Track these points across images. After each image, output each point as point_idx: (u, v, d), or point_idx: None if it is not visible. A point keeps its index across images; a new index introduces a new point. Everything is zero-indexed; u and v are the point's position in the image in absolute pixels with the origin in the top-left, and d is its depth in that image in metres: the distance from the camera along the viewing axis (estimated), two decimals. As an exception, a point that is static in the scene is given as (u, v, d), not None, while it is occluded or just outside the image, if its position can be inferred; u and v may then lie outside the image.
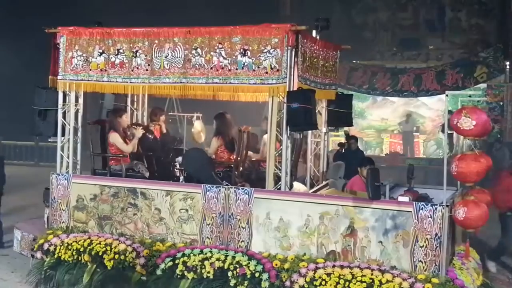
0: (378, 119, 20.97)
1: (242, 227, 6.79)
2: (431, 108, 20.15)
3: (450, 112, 7.80)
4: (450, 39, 21.45)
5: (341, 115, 8.31)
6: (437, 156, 19.39)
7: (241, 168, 7.85)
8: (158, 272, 6.74)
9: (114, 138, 7.99)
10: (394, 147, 20.76)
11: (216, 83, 6.94)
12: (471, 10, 21.31)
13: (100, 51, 7.39)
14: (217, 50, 6.86)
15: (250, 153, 8.26)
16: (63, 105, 7.68)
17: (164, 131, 9.09)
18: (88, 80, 7.50)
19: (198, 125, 9.23)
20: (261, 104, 8.21)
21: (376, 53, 21.67)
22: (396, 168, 15.64)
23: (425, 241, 6.06)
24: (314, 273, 6.17)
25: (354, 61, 19.12)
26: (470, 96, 17.82)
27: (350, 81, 18.80)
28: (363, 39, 21.60)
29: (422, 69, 18.81)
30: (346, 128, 12.59)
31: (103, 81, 7.44)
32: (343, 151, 11.18)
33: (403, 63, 20.15)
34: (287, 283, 6.25)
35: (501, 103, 18.99)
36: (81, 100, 7.78)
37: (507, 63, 18.62)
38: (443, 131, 6.15)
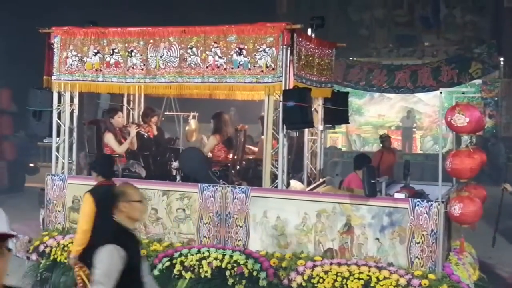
0: (375, 115, 21.04)
1: (239, 226, 6.79)
2: (428, 104, 20.22)
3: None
4: (445, 35, 21.53)
5: (338, 112, 8.32)
6: (434, 151, 19.44)
7: (238, 167, 7.85)
8: (156, 272, 6.70)
9: (108, 138, 7.96)
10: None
11: (212, 82, 6.93)
12: (465, 7, 21.43)
13: (95, 51, 7.36)
14: (213, 49, 6.85)
15: (251, 147, 8.29)
16: (58, 105, 7.66)
17: (155, 132, 8.91)
18: (83, 80, 7.47)
19: (193, 124, 9.21)
20: (258, 102, 8.21)
21: (372, 50, 21.71)
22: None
23: (421, 237, 6.08)
24: (311, 271, 6.18)
25: (351, 58, 19.15)
26: (463, 93, 17.89)
27: (347, 78, 18.79)
28: (359, 36, 21.67)
29: (418, 65, 18.82)
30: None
31: (98, 81, 7.41)
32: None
33: (399, 59, 20.20)
34: (285, 281, 6.25)
35: (496, 98, 19.09)
36: (76, 101, 7.75)
37: (501, 59, 18.72)
38: None
